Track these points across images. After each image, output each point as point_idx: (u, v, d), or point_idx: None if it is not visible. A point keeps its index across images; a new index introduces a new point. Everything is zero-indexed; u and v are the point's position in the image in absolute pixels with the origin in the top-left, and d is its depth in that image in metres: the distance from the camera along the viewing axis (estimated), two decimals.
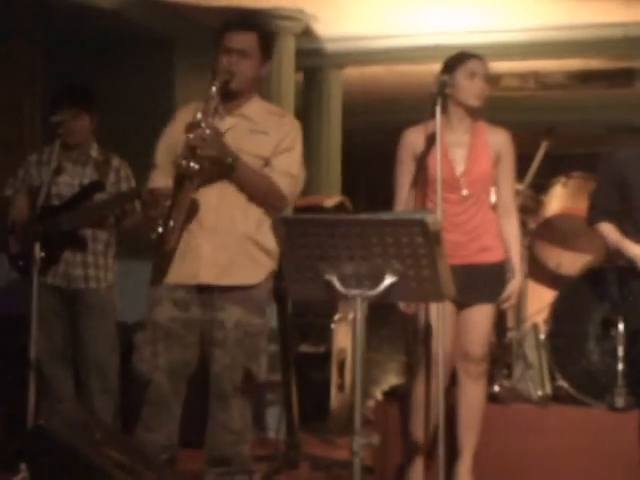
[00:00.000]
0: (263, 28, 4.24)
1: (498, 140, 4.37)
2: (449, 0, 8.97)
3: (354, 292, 3.25)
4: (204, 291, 4.02)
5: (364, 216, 3.33)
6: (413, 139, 4.33)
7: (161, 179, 4.12)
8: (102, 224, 5.07)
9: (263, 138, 4.06)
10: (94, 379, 5.09)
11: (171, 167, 4.07)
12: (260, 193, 4.04)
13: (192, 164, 3.89)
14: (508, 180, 4.42)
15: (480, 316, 4.32)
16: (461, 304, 4.23)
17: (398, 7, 9.26)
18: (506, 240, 4.37)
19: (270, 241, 4.00)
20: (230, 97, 4.04)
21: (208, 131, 3.91)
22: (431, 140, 4.25)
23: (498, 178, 4.37)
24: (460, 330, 4.30)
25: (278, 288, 5.04)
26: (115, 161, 5.15)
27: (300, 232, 3.28)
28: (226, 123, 4.03)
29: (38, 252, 4.60)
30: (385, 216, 3.30)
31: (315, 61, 10.87)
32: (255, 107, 4.13)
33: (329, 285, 3.26)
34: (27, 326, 4.56)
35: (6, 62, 8.87)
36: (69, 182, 5.06)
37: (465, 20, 9.54)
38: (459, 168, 4.26)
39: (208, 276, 3.99)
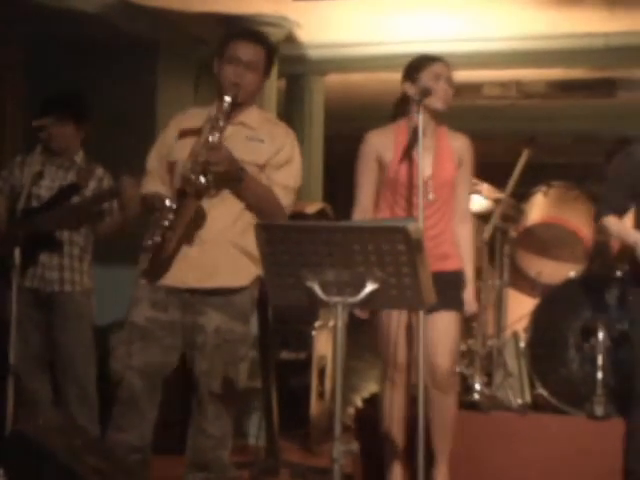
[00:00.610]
0: (271, 43, 4.23)
1: (460, 145, 4.35)
2: (431, 8, 8.98)
3: (335, 299, 3.25)
4: (186, 294, 4.01)
5: (346, 223, 3.33)
6: (377, 141, 4.30)
7: (153, 185, 4.14)
8: (79, 227, 5.06)
9: (258, 146, 4.07)
10: (70, 385, 5.07)
11: (163, 174, 4.11)
12: (261, 204, 4.06)
13: (202, 179, 3.90)
14: (466, 186, 4.40)
15: (443, 324, 4.20)
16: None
17: (381, 15, 9.27)
18: (460, 247, 4.33)
19: (255, 246, 4.03)
20: (231, 107, 4.03)
21: (219, 147, 3.92)
22: (397, 144, 4.25)
23: (456, 184, 4.33)
24: (426, 341, 4.12)
25: (259, 294, 5.07)
26: (99, 171, 5.14)
27: (281, 238, 3.28)
28: (225, 132, 4.03)
29: (18, 258, 4.58)
30: (367, 223, 3.31)
31: (298, 68, 10.86)
32: (253, 116, 4.15)
33: (310, 292, 3.25)
34: (3, 330, 4.54)
35: None
36: (49, 185, 5.06)
37: (447, 28, 9.56)
38: (426, 172, 4.19)
39: (193, 280, 4.00)
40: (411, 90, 4.26)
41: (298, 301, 3.37)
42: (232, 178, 3.96)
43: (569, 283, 5.12)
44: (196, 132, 4.07)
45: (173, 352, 4.06)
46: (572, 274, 5.19)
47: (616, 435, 4.63)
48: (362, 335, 4.62)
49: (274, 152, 4.07)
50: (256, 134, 4.09)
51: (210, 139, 3.93)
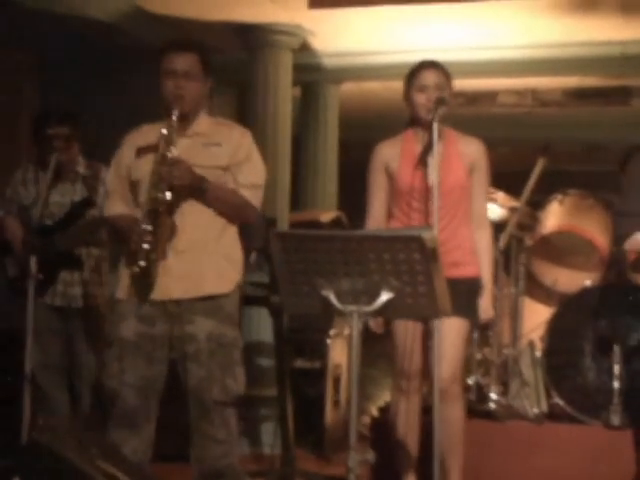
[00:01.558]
0: (202, 47, 4.20)
1: (472, 150, 4.30)
2: (447, 17, 8.99)
3: (350, 308, 3.25)
4: (171, 305, 4.01)
5: (361, 232, 3.33)
6: (385, 152, 4.30)
7: (118, 206, 4.14)
8: (95, 241, 5.07)
9: (217, 150, 4.08)
10: (86, 394, 5.08)
11: (125, 193, 4.11)
12: (231, 209, 4.08)
13: (167, 196, 3.91)
14: (482, 192, 4.34)
15: (446, 331, 4.08)
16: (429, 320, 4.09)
17: (395, 23, 9.28)
18: (479, 254, 4.28)
19: (234, 251, 4.12)
20: (180, 118, 4.03)
21: (178, 161, 3.93)
22: (403, 152, 4.25)
23: (472, 190, 4.29)
24: (431, 348, 4.08)
25: (273, 303, 5.08)
26: (103, 172, 5.12)
27: (296, 247, 3.28)
28: (181, 144, 4.02)
29: (34, 266, 4.60)
30: (382, 232, 3.31)
31: (313, 76, 10.89)
32: (204, 123, 4.15)
33: (325, 300, 3.26)
34: (24, 340, 4.56)
35: (2, 75, 8.87)
36: (60, 201, 5.05)
37: (463, 37, 9.57)
38: (432, 178, 4.15)
39: (177, 291, 3.99)
40: (409, 108, 4.27)
41: (313, 310, 3.37)
42: (195, 190, 3.97)
43: (585, 292, 5.10)
44: (153, 148, 4.05)
45: (162, 365, 4.05)
46: (588, 283, 5.17)
47: (632, 444, 4.61)
48: (377, 343, 4.61)
49: (232, 152, 4.08)
50: (212, 139, 4.09)
51: (168, 155, 3.94)
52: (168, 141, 3.97)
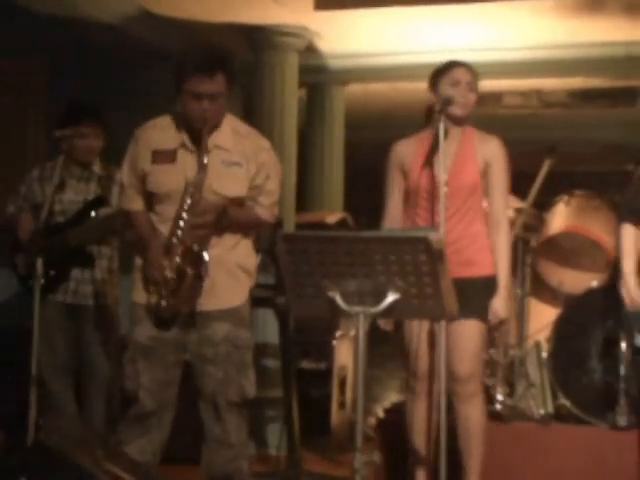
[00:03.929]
0: (226, 61, 3.99)
1: (487, 149, 4.26)
2: (452, 18, 9.00)
3: (356, 309, 3.26)
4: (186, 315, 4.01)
5: (367, 233, 3.33)
6: (400, 151, 4.31)
7: (137, 202, 4.11)
8: (107, 240, 5.07)
9: (237, 171, 3.99)
10: (97, 395, 5.08)
11: (141, 189, 4.06)
12: (246, 228, 4.08)
13: (194, 245, 3.89)
14: (498, 190, 4.28)
15: (463, 332, 4.14)
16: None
17: (401, 25, 9.29)
18: (494, 253, 4.24)
19: (249, 261, 4.12)
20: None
21: (202, 210, 3.90)
22: (418, 151, 4.25)
23: (488, 188, 4.26)
24: (447, 348, 4.10)
25: (279, 304, 5.08)
26: (118, 174, 5.13)
27: (302, 249, 3.28)
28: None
29: (40, 267, 4.61)
30: (388, 233, 3.31)
31: (318, 77, 10.91)
32: (225, 132, 4.05)
33: (331, 302, 3.26)
34: (30, 340, 4.57)
35: (11, 78, 8.90)
36: (73, 199, 5.05)
37: (468, 38, 9.57)
38: (442, 178, 4.12)
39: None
40: (432, 99, 4.25)
41: (319, 311, 3.38)
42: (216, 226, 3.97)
43: (591, 293, 5.10)
44: (170, 157, 4.00)
45: (176, 368, 4.06)
46: (594, 284, 5.17)
47: (639, 446, 4.60)
48: (383, 344, 4.61)
49: (253, 173, 4.02)
50: (232, 156, 4.00)
51: (192, 203, 3.89)
52: (196, 186, 3.89)
